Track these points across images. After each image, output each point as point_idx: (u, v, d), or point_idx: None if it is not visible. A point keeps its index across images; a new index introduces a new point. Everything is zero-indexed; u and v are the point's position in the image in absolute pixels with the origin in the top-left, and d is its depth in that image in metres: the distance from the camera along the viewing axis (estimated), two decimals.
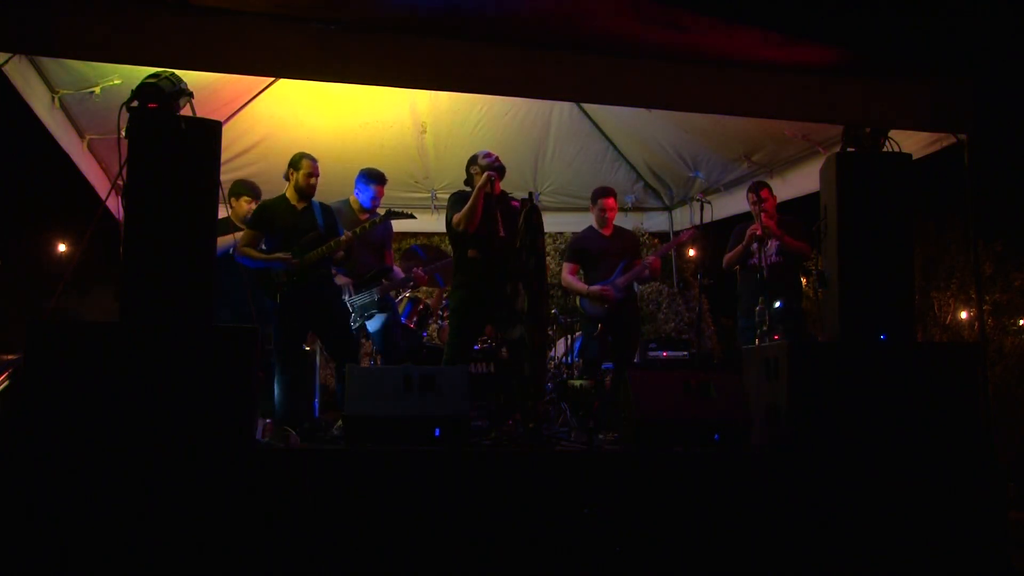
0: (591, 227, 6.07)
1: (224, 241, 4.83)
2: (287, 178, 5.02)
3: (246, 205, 5.53)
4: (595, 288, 5.76)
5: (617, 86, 4.57)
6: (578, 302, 6.04)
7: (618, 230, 6.06)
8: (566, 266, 6.02)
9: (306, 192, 4.98)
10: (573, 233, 6.76)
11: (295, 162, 4.99)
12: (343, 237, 4.95)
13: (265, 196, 5.53)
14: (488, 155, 5.05)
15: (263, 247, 4.98)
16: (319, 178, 5.03)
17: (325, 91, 6.12)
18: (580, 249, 6.01)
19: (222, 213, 4.73)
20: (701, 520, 3.96)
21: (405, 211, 5.38)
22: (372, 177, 5.62)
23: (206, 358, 3.78)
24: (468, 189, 5.07)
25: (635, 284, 5.95)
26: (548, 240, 8.12)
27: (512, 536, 3.79)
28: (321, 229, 4.94)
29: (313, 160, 5.00)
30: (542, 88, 4.69)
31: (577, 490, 3.81)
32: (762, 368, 4.61)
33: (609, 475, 3.91)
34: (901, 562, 4.06)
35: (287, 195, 5.03)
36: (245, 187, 5.64)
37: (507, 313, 4.81)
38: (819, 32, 4.49)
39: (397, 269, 5.87)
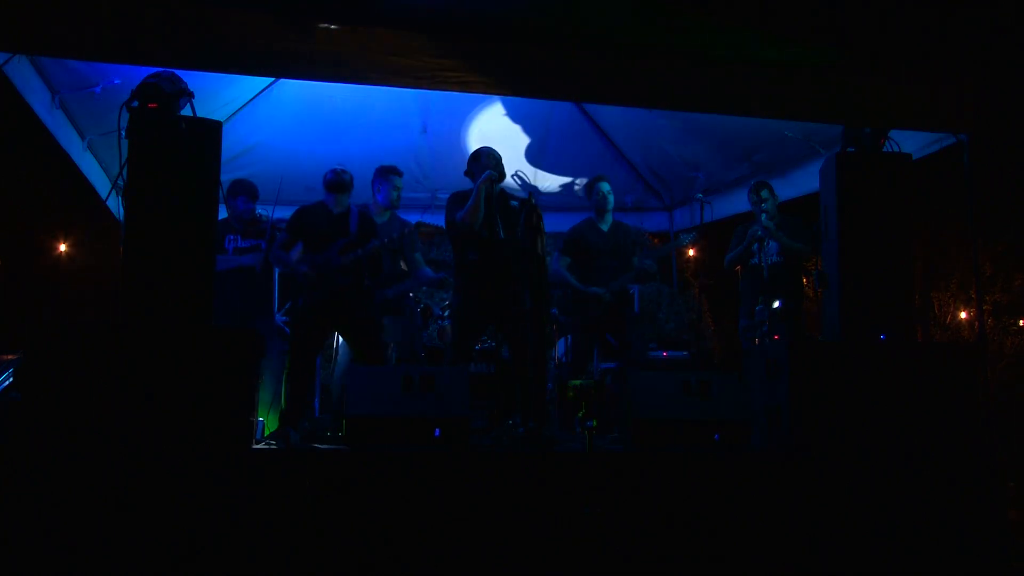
0: (590, 219, 5.75)
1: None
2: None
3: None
4: (592, 291, 5.48)
5: (617, 86, 4.57)
6: (570, 294, 5.69)
7: (616, 225, 5.74)
8: (558, 257, 5.67)
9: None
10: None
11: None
12: (374, 247, 4.92)
13: (263, 198, 5.57)
14: (493, 155, 5.02)
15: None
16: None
17: (325, 91, 6.11)
18: (576, 241, 5.66)
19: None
20: (701, 520, 3.96)
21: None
22: (384, 172, 5.56)
23: (206, 358, 3.78)
24: (466, 190, 5.06)
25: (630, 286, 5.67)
26: (548, 240, 8.05)
27: (512, 536, 3.79)
28: (354, 236, 4.92)
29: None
30: (542, 88, 4.69)
31: (577, 490, 3.81)
32: (762, 368, 4.61)
33: (609, 475, 3.91)
34: (901, 561, 4.06)
35: (324, 201, 5.02)
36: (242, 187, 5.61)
37: (510, 314, 4.81)
38: (819, 31, 4.49)
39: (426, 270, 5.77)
